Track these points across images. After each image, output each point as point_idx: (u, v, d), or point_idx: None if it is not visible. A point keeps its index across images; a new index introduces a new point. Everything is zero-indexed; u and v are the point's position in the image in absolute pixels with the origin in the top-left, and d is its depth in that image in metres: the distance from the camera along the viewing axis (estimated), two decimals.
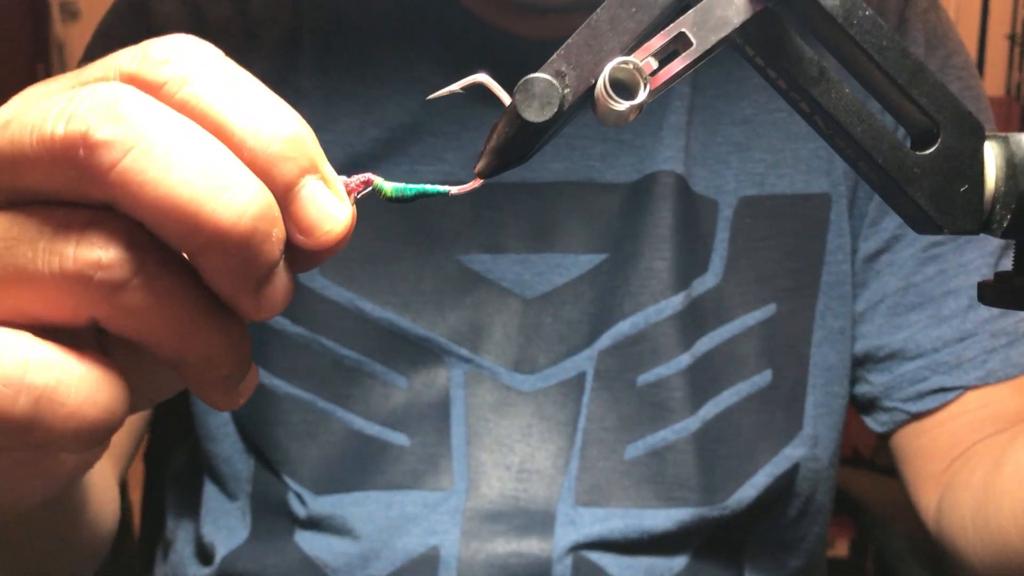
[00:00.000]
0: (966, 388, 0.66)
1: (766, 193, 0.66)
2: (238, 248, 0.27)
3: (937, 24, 0.69)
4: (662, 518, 0.64)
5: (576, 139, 0.65)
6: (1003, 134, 0.35)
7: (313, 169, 0.29)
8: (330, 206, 0.29)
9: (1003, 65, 2.31)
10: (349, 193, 0.31)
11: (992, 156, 0.35)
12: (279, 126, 0.28)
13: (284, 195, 0.29)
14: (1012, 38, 2.29)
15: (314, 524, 0.65)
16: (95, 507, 0.58)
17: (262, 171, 0.28)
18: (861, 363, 0.70)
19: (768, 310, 0.67)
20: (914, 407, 0.68)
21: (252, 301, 0.29)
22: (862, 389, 0.71)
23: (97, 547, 0.60)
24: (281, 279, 0.29)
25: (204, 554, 0.69)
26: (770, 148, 0.66)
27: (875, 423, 0.71)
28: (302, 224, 0.29)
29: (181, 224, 0.27)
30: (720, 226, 0.66)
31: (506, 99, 0.32)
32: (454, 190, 0.34)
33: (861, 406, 0.72)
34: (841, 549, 1.83)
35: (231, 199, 0.27)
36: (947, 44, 0.69)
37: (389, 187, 0.33)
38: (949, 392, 0.67)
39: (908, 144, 0.36)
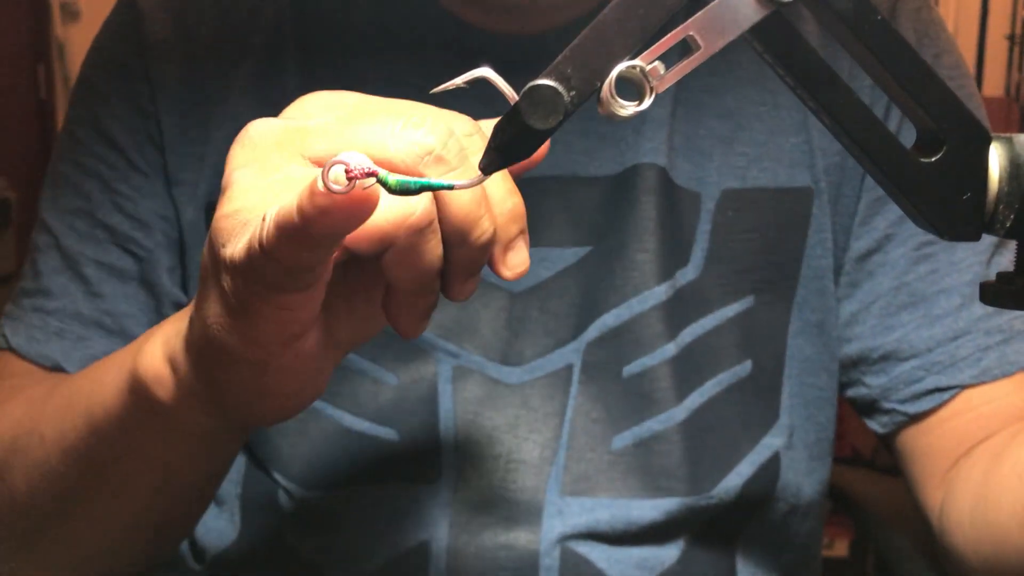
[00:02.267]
0: (962, 387, 0.66)
1: (748, 186, 0.66)
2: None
3: (928, 22, 0.69)
4: (649, 508, 0.64)
5: (559, 133, 0.65)
6: (1007, 135, 0.35)
7: (524, 231, 0.44)
8: (525, 255, 0.44)
9: (1003, 65, 2.31)
10: (352, 180, 0.31)
11: (996, 157, 0.35)
12: (520, 206, 0.44)
13: (509, 242, 0.44)
14: (1012, 38, 2.28)
15: (304, 520, 0.65)
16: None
17: (506, 220, 0.43)
18: (856, 365, 0.70)
19: (746, 302, 0.67)
20: (912, 408, 0.68)
21: (424, 306, 0.45)
22: (859, 392, 0.71)
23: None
24: (428, 300, 0.44)
25: (196, 551, 0.70)
26: (753, 141, 0.66)
27: (876, 425, 0.71)
28: (510, 262, 0.44)
29: (473, 219, 0.42)
30: (702, 218, 0.66)
31: (508, 91, 0.32)
32: (458, 183, 0.34)
33: (860, 408, 0.72)
34: (841, 549, 1.83)
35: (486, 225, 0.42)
36: (938, 43, 0.69)
37: (393, 179, 0.33)
38: (945, 392, 0.67)
39: (916, 139, 0.36)
